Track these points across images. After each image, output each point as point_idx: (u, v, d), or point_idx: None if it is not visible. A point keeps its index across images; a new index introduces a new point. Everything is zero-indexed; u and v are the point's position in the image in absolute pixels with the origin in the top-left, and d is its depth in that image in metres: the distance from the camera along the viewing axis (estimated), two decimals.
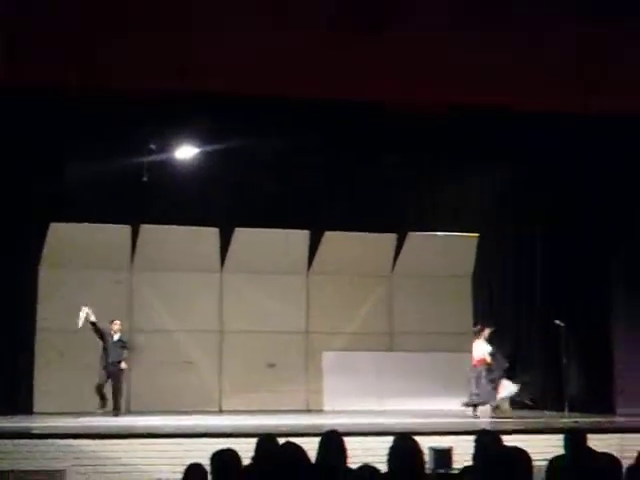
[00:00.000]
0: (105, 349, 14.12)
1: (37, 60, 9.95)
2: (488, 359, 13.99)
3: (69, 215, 14.62)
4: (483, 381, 13.88)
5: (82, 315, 13.75)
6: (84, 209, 14.48)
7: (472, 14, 9.30)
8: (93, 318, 13.86)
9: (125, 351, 14.27)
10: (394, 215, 15.80)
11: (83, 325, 13.81)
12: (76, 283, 15.08)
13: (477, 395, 13.85)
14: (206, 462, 5.98)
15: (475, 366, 14.00)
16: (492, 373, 14.05)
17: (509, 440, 6.17)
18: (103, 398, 13.89)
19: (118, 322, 14.35)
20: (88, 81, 10.50)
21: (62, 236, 14.86)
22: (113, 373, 14.12)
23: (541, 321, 15.36)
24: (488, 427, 10.50)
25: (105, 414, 13.55)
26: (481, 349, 14.07)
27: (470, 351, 14.54)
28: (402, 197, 15.60)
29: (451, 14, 9.29)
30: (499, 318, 16.24)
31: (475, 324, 14.80)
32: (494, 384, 14.03)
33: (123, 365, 14.21)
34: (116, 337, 14.27)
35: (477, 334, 14.24)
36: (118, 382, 14.20)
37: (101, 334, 14.09)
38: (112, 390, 14.08)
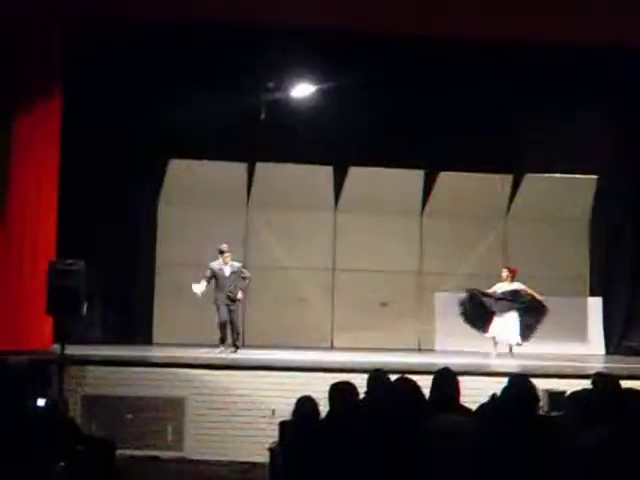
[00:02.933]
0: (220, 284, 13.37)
1: None
2: None
3: (188, 152, 14.87)
4: None
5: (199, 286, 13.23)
6: (202, 146, 14.69)
7: None
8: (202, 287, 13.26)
9: (246, 280, 13.61)
10: (511, 156, 15.53)
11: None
12: (194, 220, 15.35)
13: None
14: (318, 395, 6.11)
15: None
16: None
17: (624, 385, 6.10)
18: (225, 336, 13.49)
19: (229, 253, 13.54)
20: (210, 16, 10.63)
21: (181, 173, 15.13)
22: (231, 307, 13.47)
23: None
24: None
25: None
26: None
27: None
28: (519, 138, 15.25)
29: None
30: (616, 262, 15.94)
31: None
32: None
33: (240, 295, 13.50)
34: (228, 269, 13.49)
35: None
36: (237, 315, 13.65)
37: (213, 275, 13.39)
38: (232, 325, 13.56)
